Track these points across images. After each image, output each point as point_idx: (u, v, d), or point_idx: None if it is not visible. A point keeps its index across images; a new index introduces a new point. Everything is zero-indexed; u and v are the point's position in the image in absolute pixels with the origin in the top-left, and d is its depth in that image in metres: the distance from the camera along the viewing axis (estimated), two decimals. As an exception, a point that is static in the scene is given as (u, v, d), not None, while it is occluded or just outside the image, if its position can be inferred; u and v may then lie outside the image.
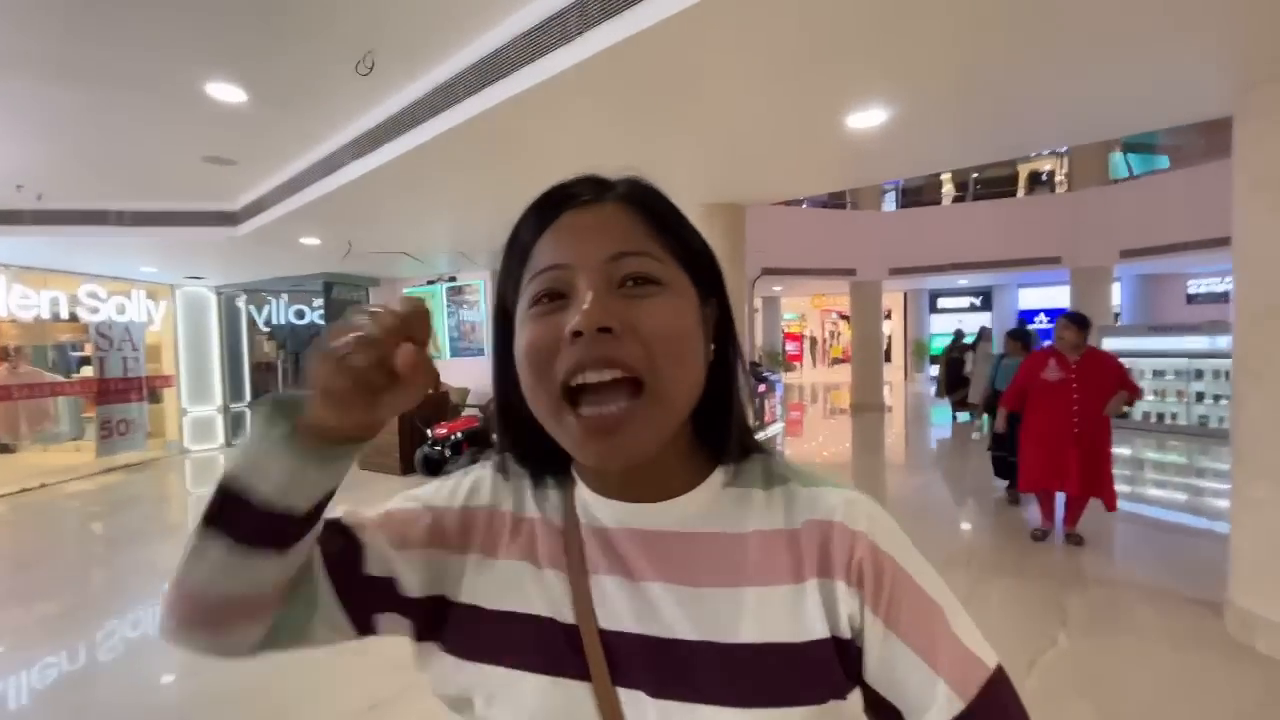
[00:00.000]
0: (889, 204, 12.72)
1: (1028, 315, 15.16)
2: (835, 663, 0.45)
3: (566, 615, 0.49)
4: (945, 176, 12.36)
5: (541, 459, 0.54)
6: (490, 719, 0.48)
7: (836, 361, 23.72)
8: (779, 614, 0.46)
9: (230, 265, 7.40)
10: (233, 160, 4.24)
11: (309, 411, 0.42)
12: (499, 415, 0.54)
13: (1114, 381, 3.58)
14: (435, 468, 6.75)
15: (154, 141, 3.88)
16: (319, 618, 0.50)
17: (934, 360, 16.53)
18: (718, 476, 0.52)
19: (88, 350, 8.15)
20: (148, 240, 5.67)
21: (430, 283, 8.44)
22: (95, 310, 7.31)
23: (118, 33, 2.60)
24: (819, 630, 0.45)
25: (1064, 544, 3.84)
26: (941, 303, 16.75)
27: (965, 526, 4.39)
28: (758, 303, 14.54)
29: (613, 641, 0.47)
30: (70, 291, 7.12)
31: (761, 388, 8.31)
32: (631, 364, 0.44)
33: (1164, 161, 10.25)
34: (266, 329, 9.52)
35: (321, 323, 8.55)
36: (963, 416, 9.39)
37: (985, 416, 5.17)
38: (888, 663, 0.45)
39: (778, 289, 13.85)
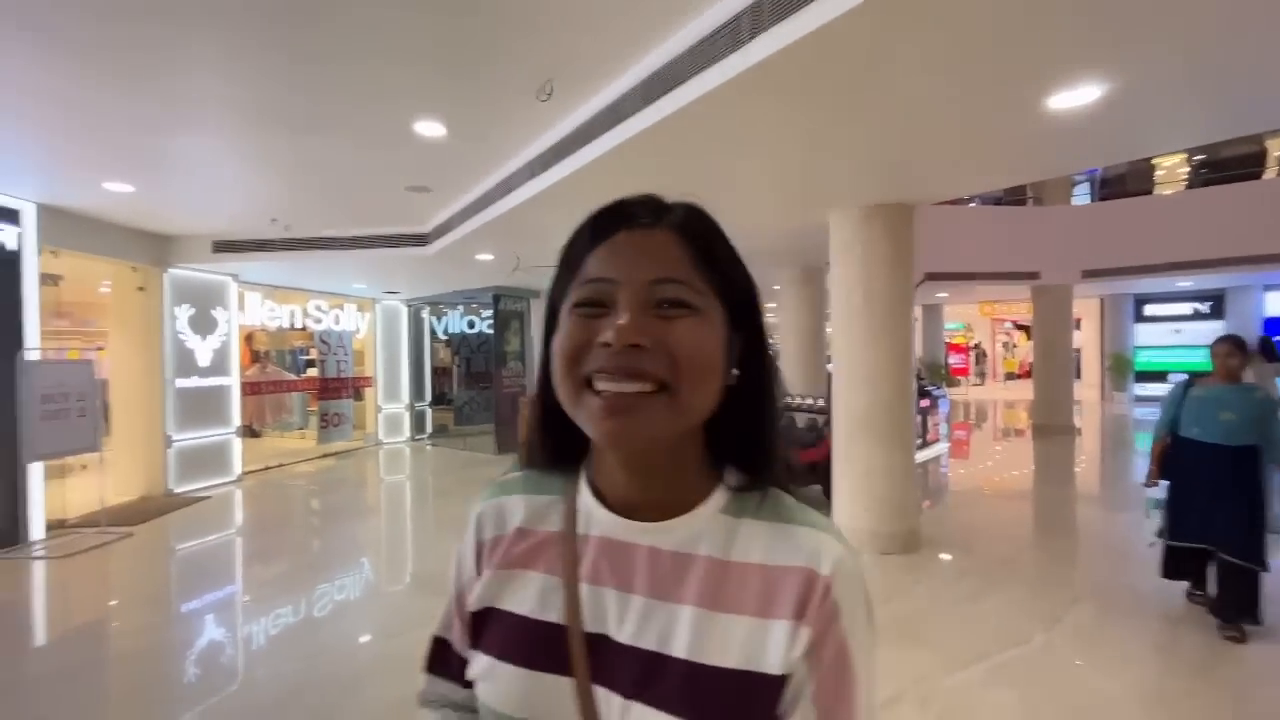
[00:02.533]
0: (1080, 196, 11.10)
1: (1277, 325, 12.31)
2: (779, 698, 0.49)
3: (554, 616, 0.54)
4: (1176, 159, 10.48)
5: (561, 449, 0.60)
6: (480, 696, 0.56)
7: (1011, 376, 21.11)
8: (741, 642, 0.50)
9: (418, 281, 8.44)
10: (428, 188, 4.85)
11: None
12: (536, 399, 0.60)
13: None
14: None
15: (370, 176, 4.55)
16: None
17: (1141, 377, 14.04)
18: (715, 501, 0.55)
19: (312, 354, 9.78)
20: (359, 261, 6.67)
21: (584, 294, 8.92)
22: (319, 321, 8.76)
23: (347, 88, 3.09)
24: (775, 667, 0.49)
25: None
26: (1150, 309, 14.20)
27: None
28: (916, 311, 13.42)
29: (597, 644, 0.52)
30: (301, 305, 8.60)
31: (924, 402, 7.64)
32: (657, 374, 0.48)
33: None
34: (444, 337, 10.73)
35: (490, 332, 9.43)
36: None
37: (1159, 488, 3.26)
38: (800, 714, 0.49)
39: (942, 296, 12.67)
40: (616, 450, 0.53)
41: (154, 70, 2.85)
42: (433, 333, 10.70)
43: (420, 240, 6.19)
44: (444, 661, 0.64)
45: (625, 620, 0.52)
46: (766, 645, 0.49)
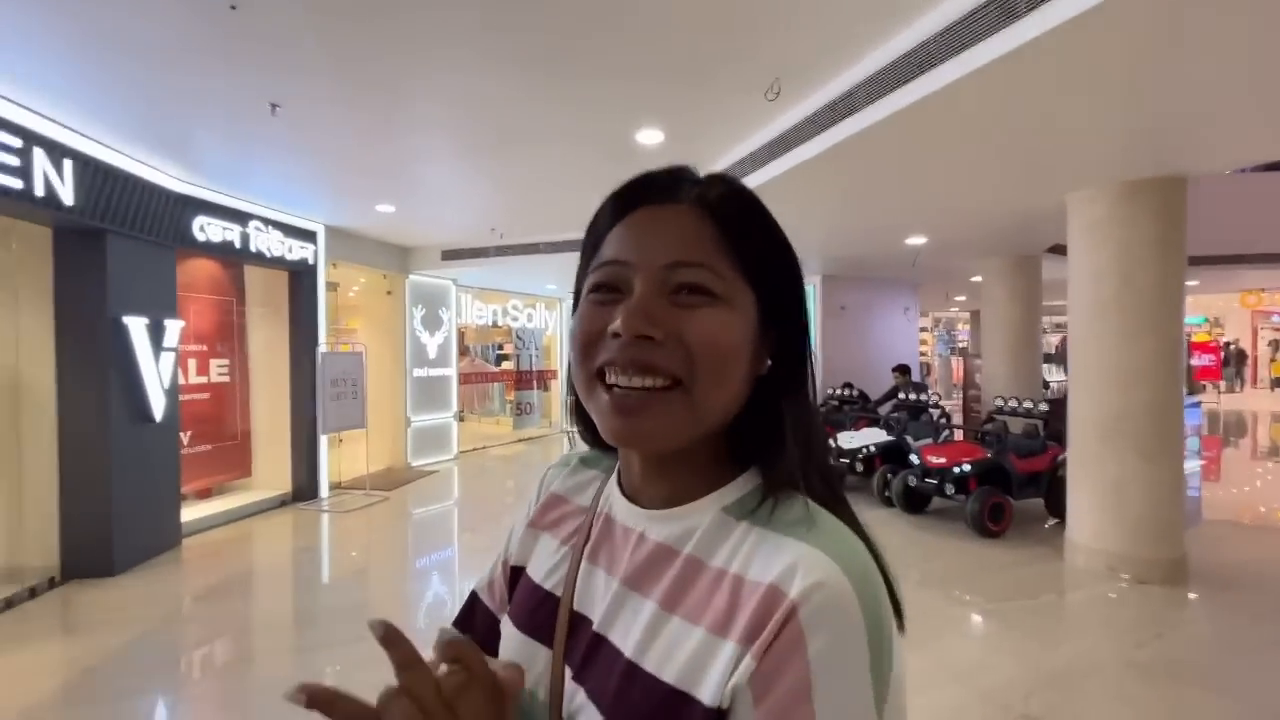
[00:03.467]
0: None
1: None
2: None
3: (555, 587, 0.55)
4: None
5: (597, 435, 0.58)
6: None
7: (1281, 383, 16.97)
8: (686, 656, 0.43)
9: (602, 281, 8.99)
10: (631, 193, 5.14)
11: None
12: (570, 386, 0.57)
13: None
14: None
15: (581, 184, 4.95)
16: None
17: None
18: (720, 497, 0.49)
19: (506, 349, 10.88)
20: (556, 264, 7.28)
21: (759, 290, 8.86)
22: (515, 319, 9.71)
23: (576, 104, 3.37)
24: (708, 695, 0.41)
25: None
26: None
27: None
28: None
29: (578, 623, 0.51)
30: (502, 305, 9.60)
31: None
32: (670, 369, 0.44)
33: None
34: (620, 334, 11.34)
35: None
36: None
37: None
38: None
39: (1191, 284, 10.56)
40: (627, 449, 0.51)
41: (413, 99, 3.29)
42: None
43: (613, 242, 6.58)
44: (469, 617, 0.64)
45: (601, 604, 0.50)
46: (708, 667, 0.42)
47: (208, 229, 4.83)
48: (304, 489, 5.97)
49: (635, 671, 0.44)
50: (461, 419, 11.21)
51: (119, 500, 3.99)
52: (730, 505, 0.48)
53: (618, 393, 0.45)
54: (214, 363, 5.53)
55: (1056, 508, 4.93)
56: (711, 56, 2.84)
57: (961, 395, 10.04)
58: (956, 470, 4.75)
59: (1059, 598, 3.68)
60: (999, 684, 2.70)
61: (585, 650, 0.48)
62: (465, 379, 9.57)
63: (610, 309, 0.47)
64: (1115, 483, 3.81)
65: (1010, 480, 4.78)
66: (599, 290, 0.49)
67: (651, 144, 3.88)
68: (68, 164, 3.56)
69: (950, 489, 4.76)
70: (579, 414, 0.57)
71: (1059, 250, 6.48)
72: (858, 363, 8.15)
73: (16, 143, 3.23)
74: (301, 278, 5.93)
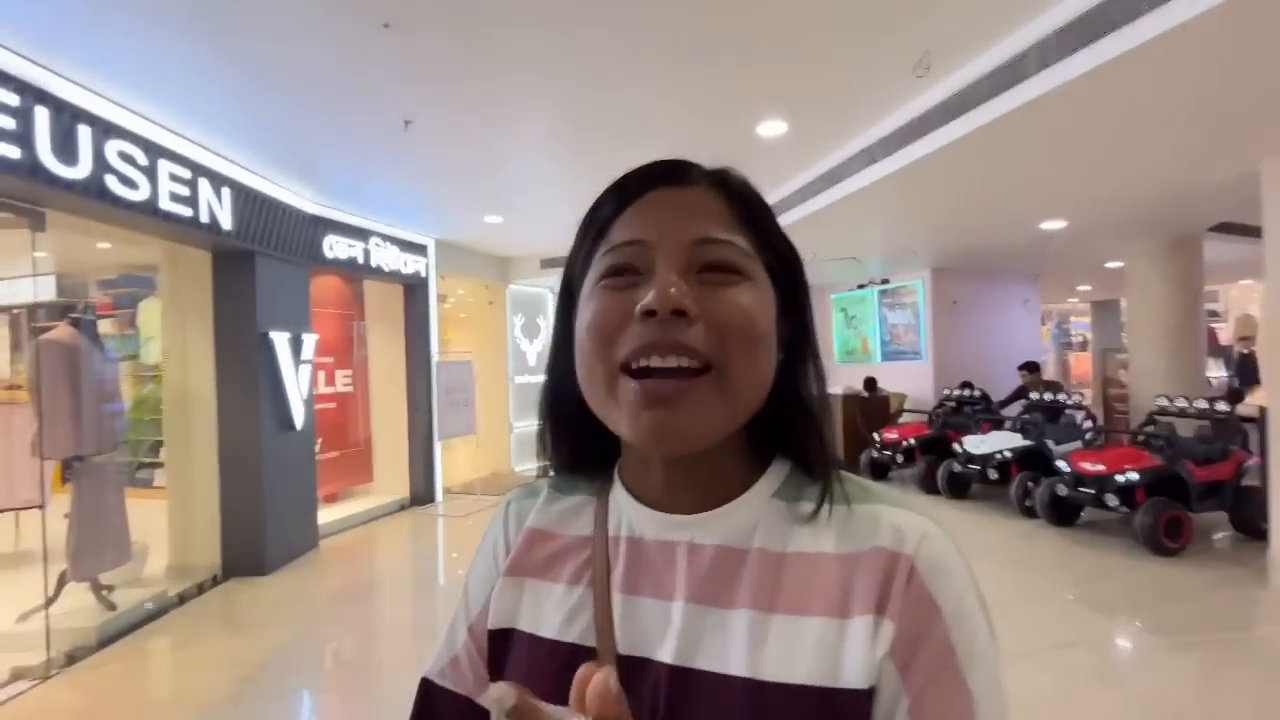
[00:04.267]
0: None
1: None
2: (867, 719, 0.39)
3: (583, 636, 0.46)
4: None
5: (583, 451, 0.52)
6: None
7: None
8: (811, 650, 0.40)
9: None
10: (742, 189, 4.99)
11: None
12: (548, 396, 0.52)
13: None
14: (881, 472, 6.65)
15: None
16: None
17: None
18: (767, 484, 0.47)
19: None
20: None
21: (860, 287, 8.44)
22: (607, 324, 9.78)
23: (696, 99, 3.24)
24: (856, 679, 0.39)
25: None
26: None
27: None
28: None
29: (635, 668, 0.43)
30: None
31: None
32: (703, 351, 0.40)
33: None
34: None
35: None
36: None
37: None
38: None
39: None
40: (657, 452, 0.43)
41: (526, 100, 3.25)
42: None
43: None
44: (427, 713, 0.52)
45: (667, 636, 0.43)
46: (843, 651, 0.39)
47: (335, 247, 5.11)
48: (420, 494, 6.20)
49: (756, 688, 0.40)
50: (554, 424, 11.44)
51: (270, 504, 4.26)
52: (780, 491, 0.47)
53: (648, 384, 0.40)
54: (339, 373, 5.85)
55: (1245, 523, 4.30)
56: (849, 31, 2.64)
57: (1101, 394, 9.11)
58: (1120, 479, 4.23)
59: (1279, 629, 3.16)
60: (1229, 732, 2.31)
61: (667, 692, 0.42)
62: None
63: (630, 293, 0.42)
64: (1342, 495, 3.24)
65: (1188, 490, 4.20)
66: (613, 275, 0.44)
67: (774, 135, 3.71)
68: (226, 191, 3.84)
69: (1112, 500, 4.25)
70: (558, 433, 0.52)
71: (1224, 229, 5.72)
72: (973, 361, 7.56)
73: (186, 174, 3.51)
74: (415, 290, 6.19)
